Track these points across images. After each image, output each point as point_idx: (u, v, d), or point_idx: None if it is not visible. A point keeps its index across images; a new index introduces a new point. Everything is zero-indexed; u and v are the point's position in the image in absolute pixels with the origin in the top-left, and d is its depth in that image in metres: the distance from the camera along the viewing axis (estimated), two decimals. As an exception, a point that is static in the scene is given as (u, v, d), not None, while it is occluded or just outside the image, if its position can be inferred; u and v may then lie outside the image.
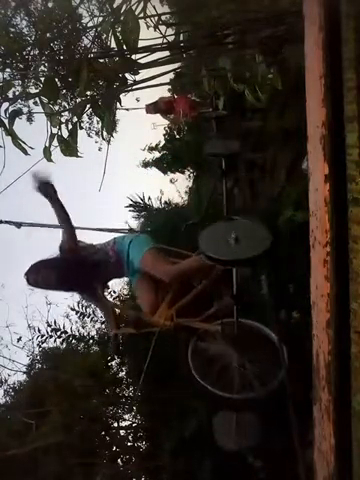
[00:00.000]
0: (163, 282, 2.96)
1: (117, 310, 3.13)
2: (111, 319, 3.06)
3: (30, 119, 5.71)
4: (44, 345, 6.11)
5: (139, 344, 4.46)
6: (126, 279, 4.17)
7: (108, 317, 3.13)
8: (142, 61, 2.54)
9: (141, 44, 2.40)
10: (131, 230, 3.44)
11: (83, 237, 3.13)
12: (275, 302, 2.59)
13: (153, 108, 6.43)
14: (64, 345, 6.05)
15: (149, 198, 6.37)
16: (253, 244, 2.00)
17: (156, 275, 2.90)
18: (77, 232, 3.00)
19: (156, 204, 6.91)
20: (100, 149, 7.10)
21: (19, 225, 3.16)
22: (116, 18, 2.25)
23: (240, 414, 2.93)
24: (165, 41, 2.64)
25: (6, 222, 3.16)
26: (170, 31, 2.73)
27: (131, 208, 6.33)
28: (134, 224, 6.72)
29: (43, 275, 2.86)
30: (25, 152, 2.46)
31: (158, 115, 6.74)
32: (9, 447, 5.19)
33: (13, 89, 2.76)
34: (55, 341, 5.91)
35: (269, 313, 2.50)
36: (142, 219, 6.59)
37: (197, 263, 2.83)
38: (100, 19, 2.63)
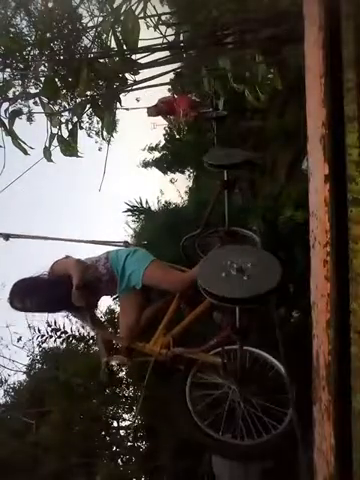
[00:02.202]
0: (147, 305, 2.84)
1: (107, 337, 2.91)
2: (101, 346, 2.90)
3: (30, 119, 5.70)
4: (44, 345, 6.11)
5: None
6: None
7: (98, 344, 2.94)
8: (142, 61, 2.54)
9: (141, 44, 2.40)
10: (126, 243, 3.29)
11: (75, 248, 3.01)
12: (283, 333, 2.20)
13: (154, 110, 6.46)
14: (64, 345, 6.05)
15: (146, 201, 6.38)
16: (260, 278, 1.69)
17: (164, 287, 2.78)
18: (68, 244, 2.93)
19: (154, 206, 6.91)
20: (100, 149, 7.10)
21: (7, 237, 3.03)
22: (116, 18, 2.25)
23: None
24: (165, 41, 2.64)
25: None
26: (170, 31, 2.73)
27: (129, 213, 6.33)
28: (133, 226, 6.69)
29: (29, 296, 2.70)
30: (25, 152, 2.47)
31: (159, 116, 6.77)
32: (9, 447, 5.20)
33: (13, 89, 2.76)
34: (55, 341, 5.91)
35: (279, 347, 2.17)
36: (140, 224, 6.57)
37: None
38: (100, 19, 2.63)
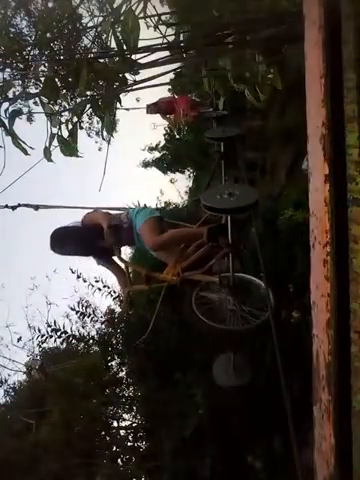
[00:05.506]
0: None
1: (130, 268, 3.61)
2: (124, 277, 3.51)
3: (30, 119, 5.70)
4: (44, 345, 6.11)
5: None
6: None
7: (122, 276, 3.57)
8: (142, 61, 2.54)
9: (141, 44, 2.40)
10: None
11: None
12: (264, 257, 3.22)
13: (154, 108, 6.45)
14: (64, 345, 6.05)
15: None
16: (243, 198, 2.67)
17: (146, 243, 3.33)
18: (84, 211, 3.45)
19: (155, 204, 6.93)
20: (100, 149, 7.11)
21: (36, 207, 3.37)
22: (116, 18, 2.25)
23: (236, 357, 3.66)
24: (165, 41, 2.64)
25: (24, 205, 3.35)
26: (170, 31, 2.73)
27: None
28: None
29: (65, 241, 3.32)
30: (25, 152, 2.46)
31: (158, 115, 6.76)
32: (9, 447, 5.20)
33: (13, 89, 2.76)
34: (55, 341, 5.90)
35: (262, 266, 3.11)
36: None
37: (179, 233, 3.43)
38: (100, 19, 2.63)
